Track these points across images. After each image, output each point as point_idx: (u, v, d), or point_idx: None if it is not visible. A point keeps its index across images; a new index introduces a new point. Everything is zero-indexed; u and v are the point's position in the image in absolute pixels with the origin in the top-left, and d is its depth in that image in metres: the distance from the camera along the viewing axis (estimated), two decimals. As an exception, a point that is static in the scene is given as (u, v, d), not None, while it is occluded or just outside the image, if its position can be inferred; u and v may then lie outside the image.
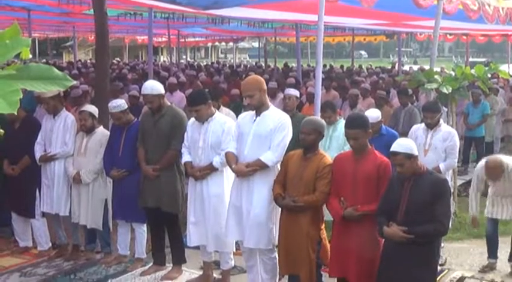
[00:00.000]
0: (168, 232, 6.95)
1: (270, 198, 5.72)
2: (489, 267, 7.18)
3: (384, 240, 5.10)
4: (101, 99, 8.76)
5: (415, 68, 24.80)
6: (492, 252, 7.26)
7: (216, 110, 6.49)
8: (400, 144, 4.97)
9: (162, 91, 6.73)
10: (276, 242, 5.79)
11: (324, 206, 5.53)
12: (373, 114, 7.35)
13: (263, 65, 25.80)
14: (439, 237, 5.02)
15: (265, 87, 5.91)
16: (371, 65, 28.47)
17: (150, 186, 6.65)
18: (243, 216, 5.84)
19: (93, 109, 7.30)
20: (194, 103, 6.22)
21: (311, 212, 5.45)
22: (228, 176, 6.16)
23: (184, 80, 15.25)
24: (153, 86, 6.70)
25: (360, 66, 26.29)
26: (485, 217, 7.32)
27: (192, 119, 6.37)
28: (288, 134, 5.79)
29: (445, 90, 8.88)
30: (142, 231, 7.15)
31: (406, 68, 26.77)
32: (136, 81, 15.64)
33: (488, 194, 7.17)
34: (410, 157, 4.89)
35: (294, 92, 8.55)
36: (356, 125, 5.26)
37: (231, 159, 5.88)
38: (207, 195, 6.27)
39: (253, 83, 5.88)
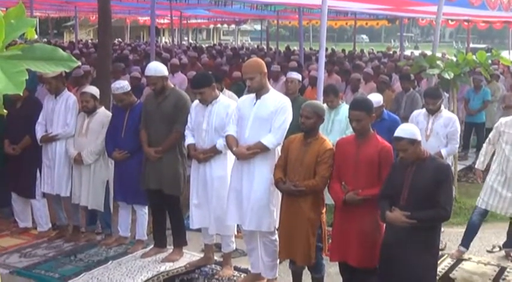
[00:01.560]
0: (169, 214, 6.95)
1: (271, 181, 5.70)
2: (459, 255, 7.10)
3: (385, 225, 5.10)
4: (102, 79, 8.74)
5: (417, 53, 24.73)
6: (467, 241, 7.15)
7: (220, 93, 6.46)
8: (404, 130, 4.94)
9: (166, 73, 6.70)
10: (277, 225, 5.78)
11: (326, 190, 5.51)
12: (375, 98, 7.30)
13: (265, 48, 25.69)
14: (441, 222, 5.02)
15: (265, 70, 5.88)
16: (373, 49, 28.32)
17: (152, 168, 6.64)
18: (243, 199, 5.82)
19: (94, 90, 7.26)
20: (198, 85, 6.18)
21: (312, 197, 5.43)
22: (232, 158, 6.12)
23: (186, 61, 15.18)
24: (156, 68, 6.67)
25: (362, 51, 26.17)
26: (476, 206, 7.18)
27: (196, 101, 6.34)
28: (288, 117, 5.77)
29: (447, 76, 8.86)
30: (144, 213, 7.15)
31: (407, 53, 26.66)
32: (137, 62, 15.57)
33: (486, 181, 7.05)
34: (414, 142, 4.86)
35: (296, 75, 8.52)
36: (360, 107, 5.23)
37: (231, 142, 5.86)
38: (210, 178, 6.26)
39: (254, 66, 5.84)
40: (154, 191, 6.71)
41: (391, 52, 26.36)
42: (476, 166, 7.33)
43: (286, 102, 5.82)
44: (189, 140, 6.38)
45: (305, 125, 5.49)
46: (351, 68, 14.46)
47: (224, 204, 6.10)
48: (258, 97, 5.84)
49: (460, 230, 7.61)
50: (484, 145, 7.23)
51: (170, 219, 6.96)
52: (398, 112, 9.88)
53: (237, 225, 6.41)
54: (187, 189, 6.69)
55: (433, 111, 7.36)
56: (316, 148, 5.44)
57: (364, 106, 5.25)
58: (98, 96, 7.26)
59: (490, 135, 7.13)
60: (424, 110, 7.58)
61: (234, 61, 17.32)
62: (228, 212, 6.00)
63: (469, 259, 7.10)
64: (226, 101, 6.33)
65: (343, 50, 26.06)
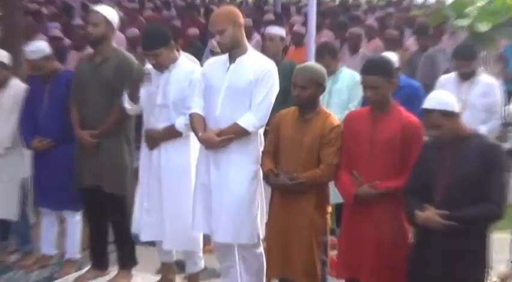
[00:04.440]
0: (111, 223, 6.90)
1: (252, 174, 5.71)
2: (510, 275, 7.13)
3: (414, 229, 5.10)
4: (12, 40, 8.63)
5: (432, 0, 24.65)
6: None
7: (180, 55, 6.39)
8: (435, 98, 4.94)
9: (115, 24, 6.68)
10: (262, 234, 5.79)
11: (330, 184, 5.52)
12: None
13: (228, -5, 25.57)
14: (491, 223, 5.00)
15: (242, 20, 5.84)
16: (372, -5, 28.31)
17: (87, 159, 6.59)
18: (214, 200, 5.79)
19: (3, 55, 7.18)
20: (152, 45, 6.09)
21: (315, 193, 5.44)
22: (196, 143, 6.08)
23: (121, 16, 15.05)
24: (111, 10, 6.68)
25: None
26: None
27: (148, 67, 6.27)
28: (274, 87, 5.75)
29: (480, 29, 8.86)
30: (76, 222, 7.10)
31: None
32: (55, 18, 15.39)
33: None
34: (451, 115, 4.86)
35: (277, 30, 8.44)
36: (377, 69, 5.21)
37: (197, 124, 5.82)
38: (166, 171, 6.20)
39: (225, 14, 5.82)
40: (90, 190, 6.66)
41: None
42: None
43: (271, 67, 5.80)
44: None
45: (300, 98, 5.48)
46: (347, 21, 14.47)
47: (186, 208, 6.05)
48: (231, 60, 5.81)
49: (504, 236, 7.64)
50: None
51: (113, 229, 6.92)
52: (415, 77, 9.87)
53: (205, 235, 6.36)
54: (135, 187, 6.64)
55: (466, 76, 7.36)
56: (318, 126, 5.44)
57: (382, 68, 5.23)
58: (8, 63, 7.19)
59: None
60: (453, 74, 7.57)
61: (188, 14, 17.22)
62: (194, 217, 5.96)
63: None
64: (188, 65, 6.28)
65: (333, -3, 26.06)
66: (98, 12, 6.56)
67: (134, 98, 6.29)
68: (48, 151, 6.85)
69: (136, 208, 6.44)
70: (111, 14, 6.63)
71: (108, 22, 6.56)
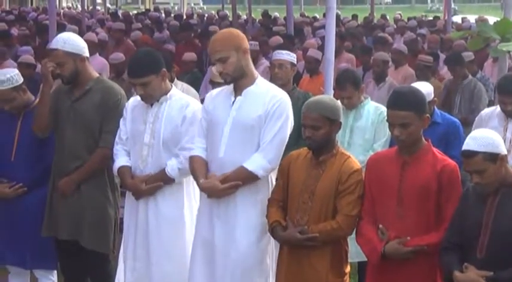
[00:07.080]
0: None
1: (262, 228, 5.70)
2: None
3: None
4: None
5: (472, 19, 24.79)
6: None
7: (173, 85, 6.42)
8: (478, 139, 4.90)
9: (83, 50, 6.65)
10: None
11: (350, 239, 5.52)
12: (424, 89, 7.28)
13: (229, 14, 25.70)
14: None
15: (247, 45, 5.89)
16: (401, 15, 28.51)
17: (64, 209, 6.57)
18: (218, 258, 5.78)
19: None
20: (140, 72, 6.09)
21: (331, 249, 5.42)
22: (191, 191, 6.13)
23: (105, 37, 15.15)
24: (67, 40, 6.62)
25: (384, 17, 26.32)
26: None
27: (134, 100, 6.31)
28: (287, 122, 5.76)
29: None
30: (51, 282, 7.08)
31: (457, 19, 26.82)
32: (27, 40, 15.44)
33: None
34: (495, 159, 4.84)
35: (287, 56, 8.50)
36: (406, 104, 5.18)
37: (198, 169, 5.81)
38: (156, 224, 6.18)
39: (227, 38, 5.83)
40: (67, 244, 6.65)
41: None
42: None
43: (284, 98, 5.82)
44: (120, 160, 6.30)
45: (312, 139, 5.46)
46: (371, 44, 14.51)
47: (181, 267, 6.06)
48: (237, 92, 5.81)
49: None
50: None
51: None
52: (450, 111, 9.87)
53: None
54: (120, 242, 6.64)
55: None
56: (334, 170, 5.43)
57: (413, 102, 5.20)
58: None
59: None
60: (497, 109, 7.54)
61: (183, 36, 17.31)
62: (193, 278, 5.92)
63: None
64: (183, 98, 6.30)
65: (355, 16, 26.19)
66: (56, 50, 6.56)
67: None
68: (17, 199, 6.83)
69: (120, 266, 6.43)
70: (73, 43, 6.60)
71: (72, 55, 6.54)
